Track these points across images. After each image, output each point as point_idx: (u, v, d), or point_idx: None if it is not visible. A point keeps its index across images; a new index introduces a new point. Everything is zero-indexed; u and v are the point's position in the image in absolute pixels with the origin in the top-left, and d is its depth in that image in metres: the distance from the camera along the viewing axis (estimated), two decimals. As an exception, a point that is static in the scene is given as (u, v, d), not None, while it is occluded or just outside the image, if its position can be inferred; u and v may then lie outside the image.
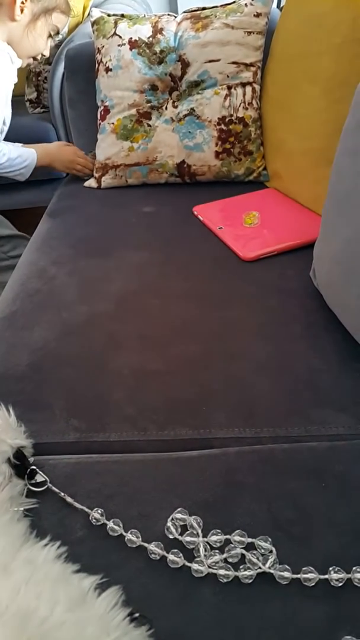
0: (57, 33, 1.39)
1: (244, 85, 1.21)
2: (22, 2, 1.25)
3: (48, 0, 1.30)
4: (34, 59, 1.38)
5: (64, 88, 1.53)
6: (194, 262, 0.98)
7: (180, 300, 0.88)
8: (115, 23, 1.26)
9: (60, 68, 1.65)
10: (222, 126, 1.22)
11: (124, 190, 1.30)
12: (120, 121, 1.27)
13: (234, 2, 1.23)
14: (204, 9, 1.25)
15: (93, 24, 1.30)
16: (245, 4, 1.20)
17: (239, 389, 0.69)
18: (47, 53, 1.38)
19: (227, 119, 1.22)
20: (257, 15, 1.19)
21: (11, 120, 1.37)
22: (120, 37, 1.24)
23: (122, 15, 1.29)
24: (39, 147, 1.37)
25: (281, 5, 1.78)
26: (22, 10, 1.26)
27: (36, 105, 1.94)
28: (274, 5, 1.88)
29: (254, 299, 0.86)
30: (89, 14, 1.86)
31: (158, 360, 0.75)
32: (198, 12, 1.25)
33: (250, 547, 0.49)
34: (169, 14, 1.28)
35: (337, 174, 0.73)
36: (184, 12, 1.27)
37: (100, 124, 1.31)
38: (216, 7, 1.23)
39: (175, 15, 1.28)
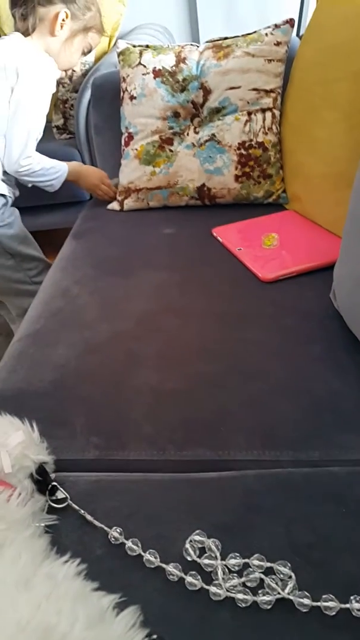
0: (90, 51, 1.46)
1: (264, 110, 1.23)
2: (63, 20, 1.32)
3: (87, 20, 1.37)
4: (65, 72, 1.46)
5: (90, 115, 1.57)
6: (213, 283, 0.99)
7: (199, 320, 0.88)
8: (140, 53, 1.29)
9: (87, 96, 1.70)
10: (242, 150, 1.24)
11: (145, 213, 1.32)
12: (144, 147, 1.30)
13: (255, 32, 1.26)
14: (225, 38, 1.28)
15: (119, 54, 1.34)
16: (266, 34, 1.23)
17: (257, 410, 0.69)
18: (78, 69, 1.48)
19: (247, 144, 1.24)
20: (277, 44, 1.22)
21: (39, 145, 1.41)
22: (144, 66, 1.28)
23: (147, 46, 1.33)
24: (70, 164, 1.43)
25: (300, 34, 1.82)
26: (62, 27, 1.33)
27: (63, 132, 2.00)
28: (294, 34, 1.92)
29: (273, 319, 0.86)
30: (114, 44, 1.92)
31: (177, 379, 0.76)
32: (220, 41, 1.27)
33: (269, 571, 0.48)
34: (192, 44, 1.32)
35: (357, 197, 0.74)
36: (207, 41, 1.31)
37: (124, 149, 1.34)
38: (237, 36, 1.27)
39: (198, 44, 1.32)
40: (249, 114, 1.23)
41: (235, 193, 1.28)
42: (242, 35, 1.26)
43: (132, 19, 2.10)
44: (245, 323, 0.86)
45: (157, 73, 1.26)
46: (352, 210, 0.76)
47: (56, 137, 2.01)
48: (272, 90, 1.23)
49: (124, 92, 1.32)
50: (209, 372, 0.76)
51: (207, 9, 2.26)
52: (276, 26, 1.24)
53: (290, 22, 1.24)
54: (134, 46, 1.33)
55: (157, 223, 1.25)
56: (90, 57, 1.80)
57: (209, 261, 1.07)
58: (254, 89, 1.22)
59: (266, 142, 1.24)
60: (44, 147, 1.43)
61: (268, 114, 1.24)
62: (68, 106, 1.92)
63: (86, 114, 1.75)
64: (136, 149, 1.31)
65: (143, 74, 1.28)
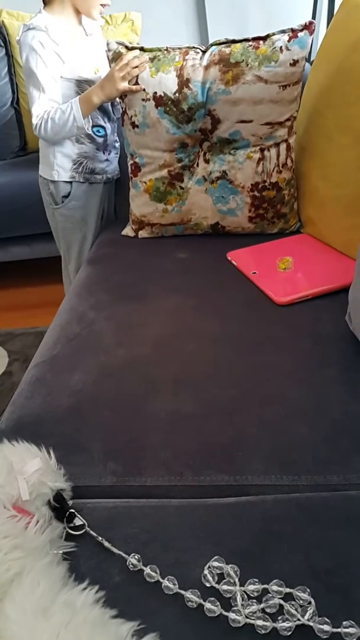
0: None
1: (277, 144, 1.18)
2: None
3: None
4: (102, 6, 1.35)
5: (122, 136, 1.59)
6: (229, 307, 0.99)
7: (215, 344, 0.89)
8: None
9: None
10: (256, 192, 1.21)
11: (160, 239, 1.34)
12: (153, 182, 1.27)
13: (267, 38, 1.12)
14: (233, 41, 1.15)
15: (109, 59, 1.26)
16: (281, 48, 1.09)
17: (274, 434, 0.69)
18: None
19: (260, 185, 1.20)
20: (294, 63, 1.10)
21: None
22: (143, 89, 1.19)
23: (142, 49, 1.21)
24: (80, 96, 1.31)
25: (311, 59, 1.85)
26: None
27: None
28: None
29: (288, 342, 0.87)
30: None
31: (193, 403, 0.76)
32: (227, 50, 1.14)
33: (288, 597, 0.48)
34: (194, 50, 1.19)
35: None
36: (211, 44, 1.18)
37: (132, 178, 1.33)
38: (247, 40, 1.13)
39: (201, 49, 1.19)
40: (262, 150, 1.18)
41: (250, 231, 1.28)
42: (253, 46, 1.12)
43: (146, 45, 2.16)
44: (261, 347, 0.87)
45: (158, 101, 1.17)
46: (365, 233, 0.76)
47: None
48: (287, 120, 1.17)
49: (124, 112, 1.27)
50: (226, 397, 0.77)
51: (219, 37, 2.31)
52: (293, 33, 1.09)
53: (309, 27, 1.10)
54: (127, 48, 1.23)
55: (171, 248, 1.27)
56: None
57: (224, 285, 1.08)
58: (267, 123, 1.15)
59: (280, 182, 1.20)
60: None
61: (282, 147, 1.18)
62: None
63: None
64: (145, 182, 1.29)
65: (143, 100, 1.19)
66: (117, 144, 1.53)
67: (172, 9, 2.35)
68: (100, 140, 1.44)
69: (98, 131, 1.43)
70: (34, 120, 1.32)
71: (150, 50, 1.21)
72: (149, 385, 0.81)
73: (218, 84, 1.14)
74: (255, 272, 1.08)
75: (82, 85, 1.36)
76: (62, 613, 0.41)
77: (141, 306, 1.03)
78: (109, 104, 1.42)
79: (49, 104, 1.31)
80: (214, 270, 1.14)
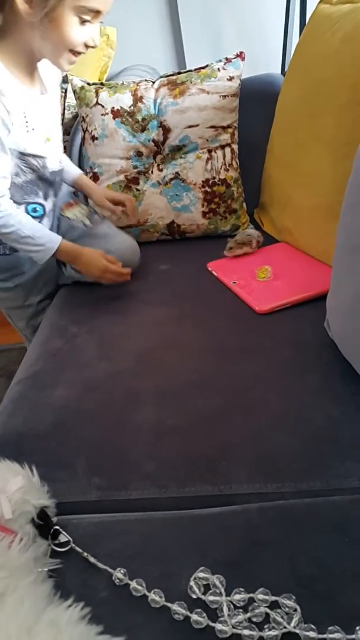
0: (96, 12, 0.92)
1: (223, 147, 1.29)
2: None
3: None
4: (86, 46, 0.96)
5: (82, 156, 1.61)
6: (210, 317, 1.00)
7: (197, 355, 0.89)
8: (97, 92, 1.31)
9: (78, 138, 1.75)
10: (207, 188, 1.31)
11: (142, 250, 1.34)
12: (110, 187, 1.34)
13: (207, 66, 1.29)
14: (179, 73, 1.31)
15: (75, 92, 1.35)
16: (218, 69, 1.27)
17: (258, 443, 0.70)
18: (97, 40, 0.97)
19: (210, 181, 1.30)
20: (230, 79, 1.27)
21: None
22: (102, 106, 1.30)
23: (102, 84, 1.34)
24: (65, 243, 1.08)
25: (285, 71, 1.88)
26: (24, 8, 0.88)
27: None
28: (279, 70, 1.99)
29: (269, 351, 0.87)
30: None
31: (176, 415, 0.76)
32: (174, 77, 1.30)
33: (274, 605, 0.48)
34: (146, 80, 1.33)
35: (344, 228, 0.76)
36: (161, 76, 1.33)
37: None
38: (190, 71, 1.30)
39: (153, 81, 1.32)
40: (209, 151, 1.29)
41: (204, 228, 1.34)
42: (195, 70, 1.30)
43: (121, 60, 2.18)
44: (243, 356, 0.87)
45: (116, 113, 1.29)
46: (339, 242, 0.77)
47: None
48: (229, 126, 1.29)
49: (84, 131, 1.35)
50: (208, 407, 0.77)
51: (194, 50, 2.33)
52: (227, 60, 1.28)
53: (240, 55, 1.29)
54: (89, 84, 1.34)
55: (152, 260, 1.28)
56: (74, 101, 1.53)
57: (204, 295, 1.08)
58: (212, 127, 1.27)
59: (228, 179, 1.30)
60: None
61: (227, 150, 1.30)
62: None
63: (79, 155, 1.79)
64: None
65: (102, 114, 1.30)
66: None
67: (147, 24, 2.38)
68: (36, 220, 1.11)
69: (34, 210, 1.13)
70: None
71: (109, 85, 1.33)
72: (132, 398, 0.81)
73: (167, 98, 1.28)
74: (235, 282, 1.09)
75: (25, 158, 1.05)
76: (47, 632, 0.41)
77: (123, 319, 1.04)
78: (55, 177, 1.16)
79: (1, 183, 1.02)
80: (195, 281, 1.15)
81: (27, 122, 1.02)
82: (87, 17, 0.91)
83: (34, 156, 1.07)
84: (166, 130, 1.29)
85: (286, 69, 1.35)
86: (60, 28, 0.90)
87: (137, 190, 1.34)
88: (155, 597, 0.50)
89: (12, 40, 0.95)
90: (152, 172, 1.33)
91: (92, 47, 0.97)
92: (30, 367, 0.92)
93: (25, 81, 1.01)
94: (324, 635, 0.45)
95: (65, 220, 1.26)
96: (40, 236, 1.05)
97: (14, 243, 1.05)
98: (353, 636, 0.45)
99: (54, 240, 1.06)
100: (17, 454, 0.63)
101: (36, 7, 0.87)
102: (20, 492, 0.54)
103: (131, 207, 1.27)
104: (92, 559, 0.55)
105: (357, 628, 0.45)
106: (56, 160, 1.14)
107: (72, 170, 1.28)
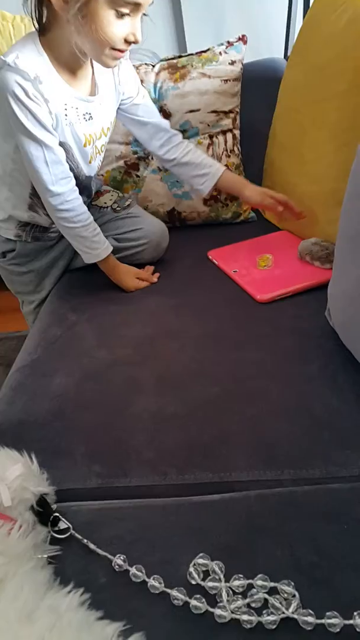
0: (137, 5, 0.86)
1: (224, 132, 1.28)
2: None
3: None
4: (127, 42, 0.90)
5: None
6: (210, 305, 1.00)
7: (197, 343, 0.89)
8: None
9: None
10: None
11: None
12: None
13: (208, 49, 1.27)
14: (180, 56, 1.29)
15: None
16: (220, 52, 1.25)
17: (257, 430, 0.70)
18: (139, 35, 0.90)
19: None
20: (232, 63, 1.25)
21: None
22: None
23: None
24: (110, 257, 1.11)
25: (287, 56, 1.85)
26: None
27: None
28: (281, 54, 1.96)
29: (270, 340, 0.87)
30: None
31: (176, 403, 0.76)
32: (175, 61, 1.28)
33: (273, 591, 0.48)
34: (146, 64, 1.31)
35: (346, 216, 0.75)
36: (161, 60, 1.31)
37: None
38: (191, 55, 1.28)
39: (153, 65, 1.30)
40: (211, 137, 1.28)
41: (205, 215, 1.33)
42: (196, 54, 1.28)
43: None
44: (243, 344, 0.87)
45: None
46: (341, 230, 0.77)
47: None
48: (230, 111, 1.27)
49: None
50: (208, 395, 0.77)
51: (195, 33, 2.30)
52: (229, 43, 1.26)
53: (242, 38, 1.27)
54: None
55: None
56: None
57: (205, 284, 1.08)
58: (213, 111, 1.26)
59: (230, 165, 1.28)
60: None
61: (229, 136, 1.28)
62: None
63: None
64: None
65: None
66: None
67: (149, 11, 2.36)
68: None
69: None
70: (52, 198, 1.00)
71: None
72: (132, 386, 0.81)
73: (168, 82, 1.26)
74: (236, 271, 1.08)
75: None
76: (47, 617, 0.41)
77: (123, 307, 1.03)
78: (90, 182, 1.16)
79: (61, 169, 0.99)
80: (195, 269, 1.14)
81: (66, 117, 0.97)
82: (125, 10, 0.85)
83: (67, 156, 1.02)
84: (167, 114, 1.27)
85: (289, 54, 1.33)
86: (95, 23, 0.85)
87: (137, 176, 1.32)
88: (155, 583, 0.50)
89: (54, 37, 0.91)
90: (152, 158, 1.31)
91: (134, 42, 0.90)
92: (29, 355, 0.92)
93: (68, 79, 0.96)
94: (322, 621, 0.45)
95: (94, 207, 1.23)
96: (97, 241, 1.08)
97: (69, 237, 1.08)
98: (351, 622, 0.45)
99: (106, 249, 1.09)
100: (16, 441, 0.63)
101: (70, 1, 0.82)
102: (20, 480, 0.54)
103: (292, 204, 1.13)
104: (91, 546, 0.55)
105: (355, 614, 0.45)
106: (93, 166, 1.12)
107: (210, 177, 1.16)
